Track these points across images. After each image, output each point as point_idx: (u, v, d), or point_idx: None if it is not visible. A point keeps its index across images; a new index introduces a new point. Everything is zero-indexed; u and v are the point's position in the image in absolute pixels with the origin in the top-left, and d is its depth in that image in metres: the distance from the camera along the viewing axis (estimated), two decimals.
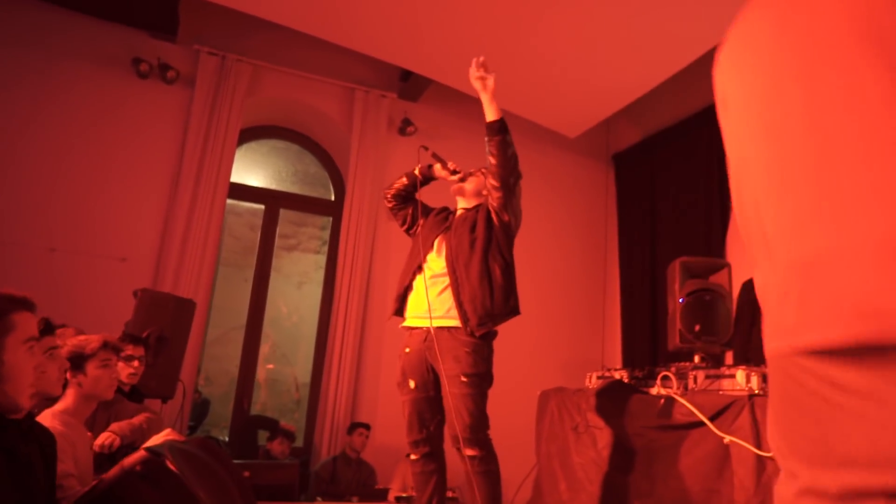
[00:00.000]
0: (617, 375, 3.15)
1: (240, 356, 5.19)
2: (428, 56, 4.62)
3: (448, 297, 2.46)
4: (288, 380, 6.07)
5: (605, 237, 5.95)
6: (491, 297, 2.41)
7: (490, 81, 2.49)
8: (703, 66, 4.55)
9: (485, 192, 2.62)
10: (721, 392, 2.47)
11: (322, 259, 5.70)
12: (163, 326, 3.36)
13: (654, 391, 2.80)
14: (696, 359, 2.99)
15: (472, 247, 2.46)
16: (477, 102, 2.61)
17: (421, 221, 2.72)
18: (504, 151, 2.45)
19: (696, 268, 3.53)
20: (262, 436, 4.75)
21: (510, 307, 2.49)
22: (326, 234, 5.74)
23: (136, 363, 2.87)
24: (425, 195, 2.81)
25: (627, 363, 5.17)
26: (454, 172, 2.65)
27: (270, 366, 5.56)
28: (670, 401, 2.53)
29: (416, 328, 2.54)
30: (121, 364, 2.82)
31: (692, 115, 5.27)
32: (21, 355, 1.48)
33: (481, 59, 2.51)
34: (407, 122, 5.51)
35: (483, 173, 2.66)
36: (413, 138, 5.49)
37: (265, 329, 5.40)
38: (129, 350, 2.85)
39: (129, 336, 2.93)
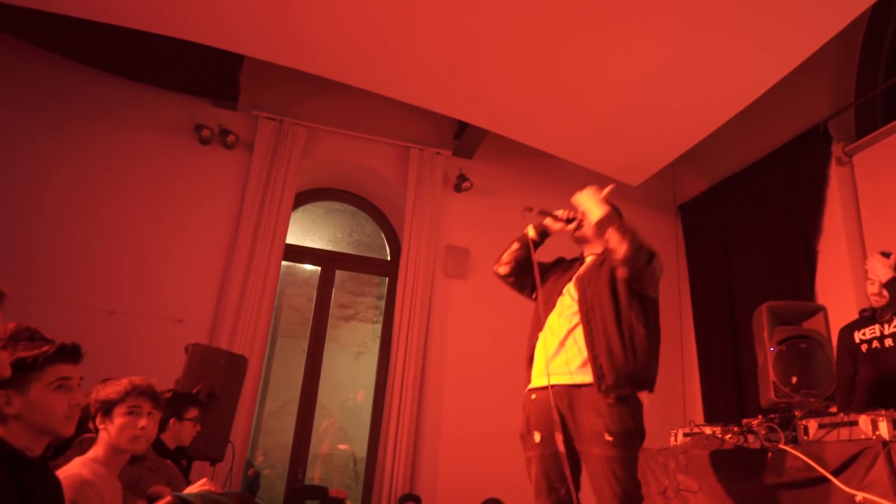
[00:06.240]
0: (707, 431, 2.77)
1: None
2: (485, 107, 4.56)
3: (578, 349, 2.12)
4: (346, 455, 5.80)
5: (678, 289, 5.62)
6: (634, 355, 2.05)
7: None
8: (764, 108, 4.37)
9: None
10: (842, 441, 2.09)
11: (379, 328, 5.54)
12: (213, 383, 3.21)
13: (757, 446, 2.42)
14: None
15: (613, 294, 2.13)
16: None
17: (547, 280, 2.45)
18: (623, 240, 2.14)
19: (786, 313, 3.16)
20: None
21: (650, 376, 2.11)
22: (383, 304, 5.60)
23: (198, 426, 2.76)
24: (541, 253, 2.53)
25: (710, 420, 4.71)
26: (569, 221, 2.39)
27: (325, 444, 5.30)
28: (781, 454, 2.15)
29: (541, 388, 2.19)
30: (187, 425, 2.71)
31: (760, 160, 5.06)
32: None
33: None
34: (462, 178, 5.43)
35: None
36: (468, 194, 5.46)
37: (324, 404, 5.18)
38: (195, 412, 2.75)
39: (187, 396, 2.81)
